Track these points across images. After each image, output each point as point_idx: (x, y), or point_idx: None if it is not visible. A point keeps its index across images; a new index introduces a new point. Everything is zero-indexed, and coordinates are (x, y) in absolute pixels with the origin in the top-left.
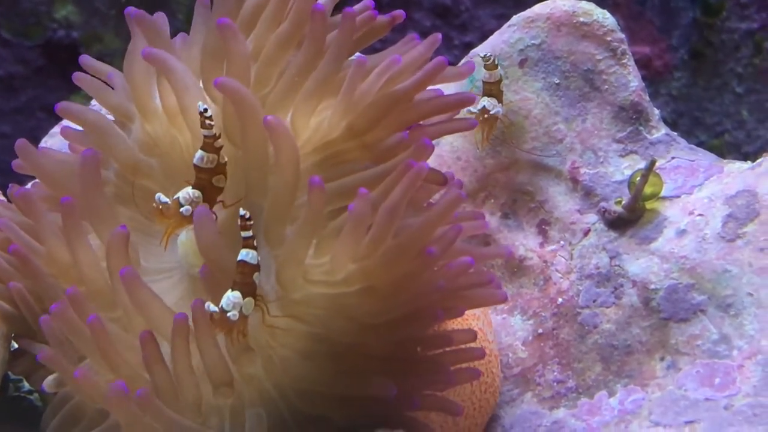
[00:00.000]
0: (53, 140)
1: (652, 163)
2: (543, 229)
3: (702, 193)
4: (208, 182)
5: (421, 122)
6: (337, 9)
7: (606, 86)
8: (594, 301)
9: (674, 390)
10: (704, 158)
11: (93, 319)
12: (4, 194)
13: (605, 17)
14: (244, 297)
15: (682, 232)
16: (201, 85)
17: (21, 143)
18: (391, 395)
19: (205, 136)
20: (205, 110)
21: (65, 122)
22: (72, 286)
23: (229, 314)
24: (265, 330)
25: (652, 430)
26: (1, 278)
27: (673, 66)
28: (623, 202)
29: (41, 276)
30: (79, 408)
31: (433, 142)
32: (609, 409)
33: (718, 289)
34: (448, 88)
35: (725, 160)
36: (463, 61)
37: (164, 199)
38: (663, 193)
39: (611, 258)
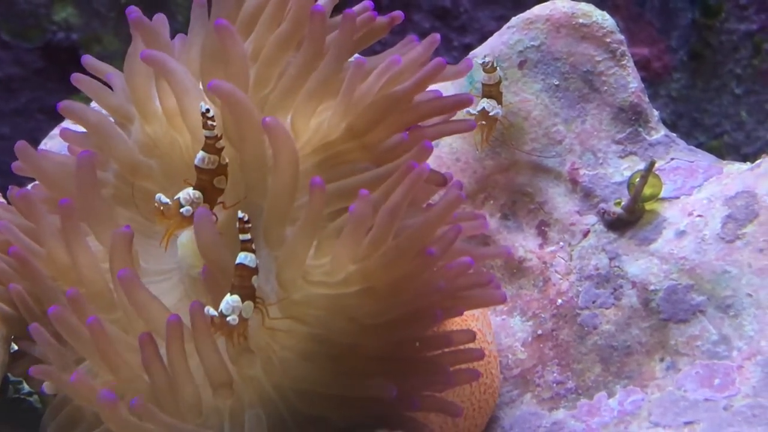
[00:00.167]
0: (53, 142)
1: (652, 164)
2: (542, 230)
3: (701, 194)
4: (209, 183)
5: (420, 123)
6: (336, 10)
7: (605, 87)
8: (593, 302)
9: (674, 391)
10: (703, 159)
11: (92, 321)
12: (4, 196)
13: (604, 18)
14: (243, 300)
15: (681, 233)
16: (201, 86)
17: (20, 145)
18: (391, 397)
19: (206, 137)
20: (207, 111)
21: (64, 124)
22: (71, 287)
23: (228, 318)
24: (265, 332)
25: (652, 431)
26: (0, 280)
27: (673, 67)
28: (623, 204)
29: (41, 278)
30: (78, 410)
31: (432, 143)
32: (608, 410)
33: (718, 290)
34: (448, 90)
35: (724, 162)
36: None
37: (165, 199)
38: (662, 195)
39: (611, 259)
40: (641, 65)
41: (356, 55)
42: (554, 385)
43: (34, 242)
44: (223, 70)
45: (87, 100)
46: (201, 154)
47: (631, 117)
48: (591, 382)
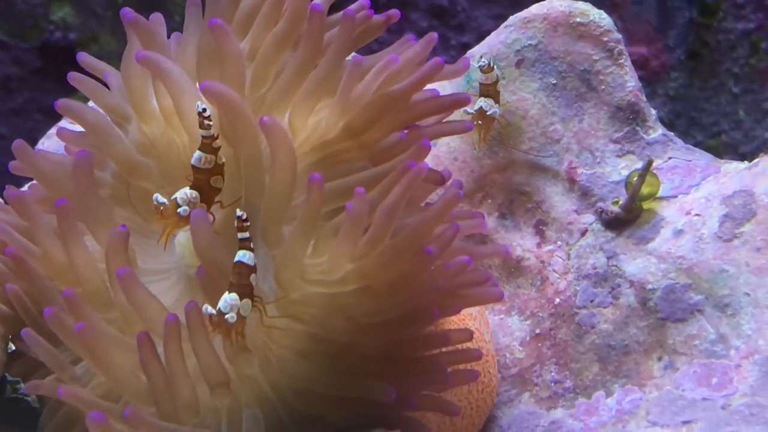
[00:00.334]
0: (50, 142)
1: (649, 163)
2: (540, 229)
3: (699, 193)
4: (206, 183)
5: (418, 123)
6: (332, 9)
7: (603, 86)
8: (591, 302)
9: (672, 390)
10: (701, 158)
11: (81, 327)
12: (1, 196)
13: (602, 17)
14: (241, 298)
15: (679, 232)
16: (197, 86)
17: (18, 144)
18: (389, 398)
19: (203, 137)
20: (204, 110)
21: (62, 124)
22: (68, 287)
23: (226, 316)
24: (263, 330)
25: (650, 430)
26: None
27: (670, 66)
28: (620, 203)
29: (37, 278)
30: (76, 410)
31: (430, 142)
32: (606, 409)
33: (715, 289)
34: (445, 89)
35: (722, 160)
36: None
37: (162, 199)
38: (660, 193)
39: (608, 258)
40: (639, 64)
41: (353, 53)
42: (552, 384)
43: (31, 242)
44: (220, 69)
45: (85, 100)
46: (198, 153)
47: (628, 116)
48: (589, 382)
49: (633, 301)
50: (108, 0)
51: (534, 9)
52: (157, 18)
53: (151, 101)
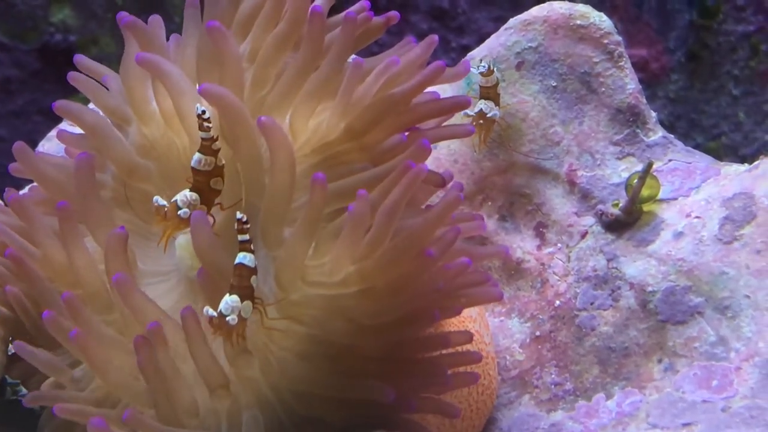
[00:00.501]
0: (50, 143)
1: (649, 165)
2: (540, 231)
3: (699, 195)
4: (206, 185)
5: (418, 126)
6: (332, 11)
7: (603, 89)
8: (591, 304)
9: (672, 392)
10: (701, 161)
11: (75, 334)
12: (1, 198)
13: (602, 20)
14: (242, 300)
15: (679, 235)
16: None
17: (19, 146)
18: (389, 400)
19: (203, 139)
20: (203, 112)
21: (62, 125)
22: (68, 289)
23: (227, 318)
24: (263, 332)
25: None
26: None
27: (670, 68)
28: (620, 205)
29: (37, 279)
30: None
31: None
32: (606, 411)
33: (716, 292)
34: (446, 91)
35: (722, 163)
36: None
37: (162, 201)
38: (660, 196)
39: (608, 260)
40: (639, 66)
41: (353, 56)
42: (552, 386)
43: (31, 244)
44: (219, 71)
45: (85, 101)
46: (197, 155)
47: (628, 118)
48: (589, 384)
49: (633, 303)
50: (108, 2)
51: (534, 11)
52: (156, 20)
53: (151, 103)
